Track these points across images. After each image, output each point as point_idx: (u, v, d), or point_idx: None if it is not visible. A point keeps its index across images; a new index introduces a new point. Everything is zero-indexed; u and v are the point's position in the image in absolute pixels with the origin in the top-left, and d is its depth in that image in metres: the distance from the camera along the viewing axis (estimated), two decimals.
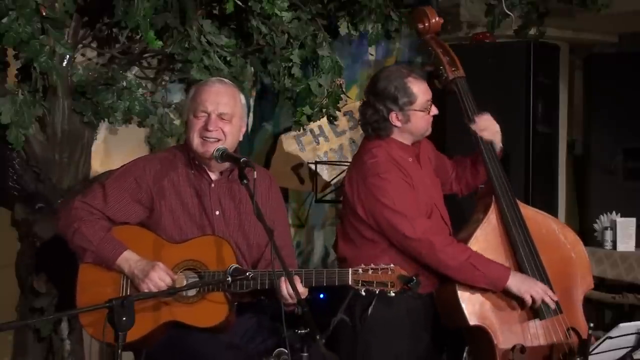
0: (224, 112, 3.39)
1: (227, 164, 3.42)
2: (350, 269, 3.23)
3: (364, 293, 3.22)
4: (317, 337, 2.93)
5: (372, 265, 3.21)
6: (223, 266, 3.27)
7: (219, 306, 3.26)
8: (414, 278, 3.17)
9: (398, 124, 3.76)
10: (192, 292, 3.29)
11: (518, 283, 3.62)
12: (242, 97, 3.50)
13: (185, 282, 3.31)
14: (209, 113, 3.38)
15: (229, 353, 3.26)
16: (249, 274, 3.22)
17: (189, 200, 3.43)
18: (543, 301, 3.62)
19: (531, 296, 3.61)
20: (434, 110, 3.81)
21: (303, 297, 3.19)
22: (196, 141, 3.39)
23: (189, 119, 3.43)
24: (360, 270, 3.21)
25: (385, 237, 3.72)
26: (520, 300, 3.66)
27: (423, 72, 3.89)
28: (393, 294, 3.21)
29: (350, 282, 3.22)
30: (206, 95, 3.40)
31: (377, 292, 3.20)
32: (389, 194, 3.67)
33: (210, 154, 3.37)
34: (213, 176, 3.46)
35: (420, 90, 3.75)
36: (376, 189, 3.69)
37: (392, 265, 3.21)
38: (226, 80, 3.53)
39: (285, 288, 3.18)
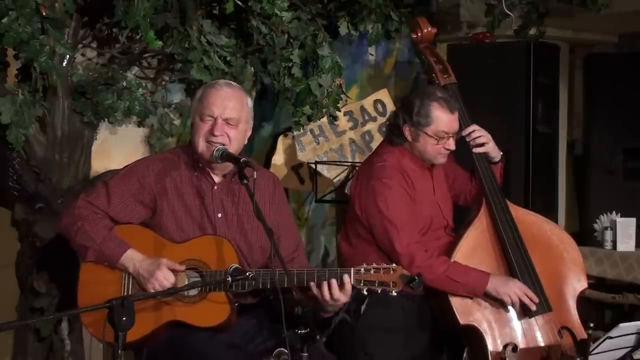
0: (231, 117, 3.35)
1: (230, 167, 3.40)
2: (352, 269, 3.23)
3: (365, 292, 3.23)
4: (317, 337, 2.93)
5: (374, 265, 3.22)
6: (224, 266, 3.26)
7: (221, 306, 3.26)
8: (416, 277, 3.18)
9: (409, 138, 3.83)
10: (193, 292, 3.29)
11: (496, 286, 3.67)
12: (249, 100, 3.46)
13: (186, 282, 3.31)
14: (216, 117, 3.34)
15: (229, 353, 3.26)
16: (249, 274, 3.22)
17: (191, 201, 3.42)
18: (522, 301, 3.66)
19: (510, 297, 3.65)
20: (450, 145, 3.81)
21: (348, 297, 3.21)
22: (201, 145, 3.36)
23: (195, 121, 3.40)
24: (362, 270, 3.21)
25: None
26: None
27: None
28: (395, 294, 3.22)
29: (352, 282, 3.22)
30: (213, 99, 3.36)
31: (379, 291, 3.21)
32: (386, 199, 3.74)
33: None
34: (216, 179, 3.45)
35: (439, 117, 3.76)
36: (375, 191, 3.76)
37: (394, 265, 3.22)
38: (234, 83, 3.49)
39: (326, 291, 3.18)
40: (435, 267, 3.68)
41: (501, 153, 3.96)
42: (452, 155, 4.05)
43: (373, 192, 3.76)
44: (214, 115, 3.34)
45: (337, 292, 3.20)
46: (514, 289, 3.66)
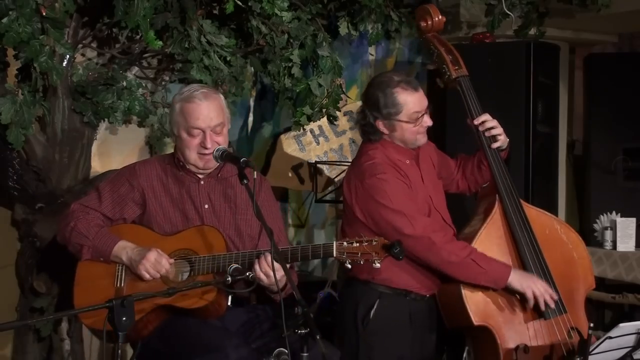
0: (217, 126, 3.46)
1: (210, 164, 3.50)
2: (335, 242, 3.27)
3: (349, 265, 3.24)
4: (317, 337, 2.94)
5: (357, 237, 3.24)
6: (212, 251, 3.36)
7: (207, 289, 3.30)
8: (397, 245, 3.16)
9: (385, 131, 3.75)
10: (181, 278, 3.36)
11: (520, 279, 3.60)
12: (222, 98, 3.57)
13: (176, 272, 3.38)
14: (204, 130, 3.44)
15: (223, 337, 3.28)
16: (249, 274, 3.24)
17: (178, 197, 3.53)
18: (545, 299, 3.61)
19: (533, 293, 3.60)
20: (426, 122, 3.73)
21: (278, 273, 3.23)
22: (193, 157, 3.48)
23: (182, 136, 3.48)
24: (345, 243, 3.25)
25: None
26: (523, 300, 3.65)
27: (420, 79, 3.80)
28: (378, 265, 3.23)
29: (335, 254, 3.25)
30: (197, 114, 3.44)
31: (361, 263, 3.22)
32: (386, 194, 3.65)
33: (211, 166, 3.49)
34: (201, 175, 3.56)
35: (407, 100, 3.68)
36: (374, 189, 3.67)
37: (376, 237, 3.24)
38: (207, 89, 3.55)
39: (258, 268, 3.26)
40: (459, 250, 3.60)
41: (507, 140, 3.88)
42: (431, 142, 3.98)
43: (371, 190, 3.67)
44: (202, 128, 3.45)
45: (265, 265, 3.25)
46: (538, 285, 3.59)
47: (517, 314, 3.67)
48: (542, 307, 3.60)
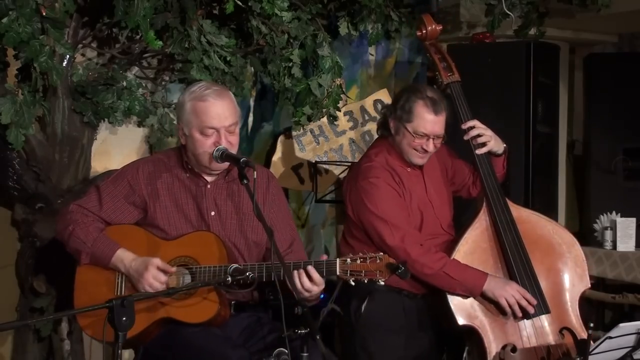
0: (231, 124, 3.40)
1: (223, 166, 3.42)
2: (338, 259, 3.23)
3: (352, 283, 3.22)
4: (317, 337, 2.94)
5: (361, 255, 3.21)
6: (214, 261, 3.30)
7: (210, 301, 3.29)
8: (401, 266, 3.16)
9: (393, 130, 3.83)
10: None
11: (494, 288, 3.65)
12: (233, 96, 3.52)
13: (177, 279, 3.34)
14: (218, 130, 3.37)
15: (225, 346, 3.26)
16: (249, 274, 3.22)
17: (184, 201, 3.45)
18: (520, 304, 3.64)
19: (506, 300, 3.63)
20: (428, 147, 3.76)
21: (321, 287, 3.22)
22: (207, 157, 3.38)
23: (194, 135, 3.38)
24: (348, 260, 3.21)
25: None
26: None
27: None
28: (382, 283, 3.22)
29: (338, 273, 3.22)
30: (212, 112, 3.37)
31: (365, 281, 3.20)
32: (374, 198, 3.74)
33: (223, 167, 3.41)
34: (208, 178, 3.48)
35: (421, 116, 3.74)
36: (364, 192, 3.76)
37: (381, 253, 3.21)
38: (218, 87, 3.50)
39: (298, 281, 3.20)
40: (432, 263, 3.68)
41: (504, 145, 3.93)
42: (446, 147, 4.01)
43: (361, 192, 3.76)
44: (216, 127, 3.37)
45: (307, 283, 3.21)
46: (511, 292, 3.64)
47: (503, 314, 3.70)
48: (518, 313, 3.65)
